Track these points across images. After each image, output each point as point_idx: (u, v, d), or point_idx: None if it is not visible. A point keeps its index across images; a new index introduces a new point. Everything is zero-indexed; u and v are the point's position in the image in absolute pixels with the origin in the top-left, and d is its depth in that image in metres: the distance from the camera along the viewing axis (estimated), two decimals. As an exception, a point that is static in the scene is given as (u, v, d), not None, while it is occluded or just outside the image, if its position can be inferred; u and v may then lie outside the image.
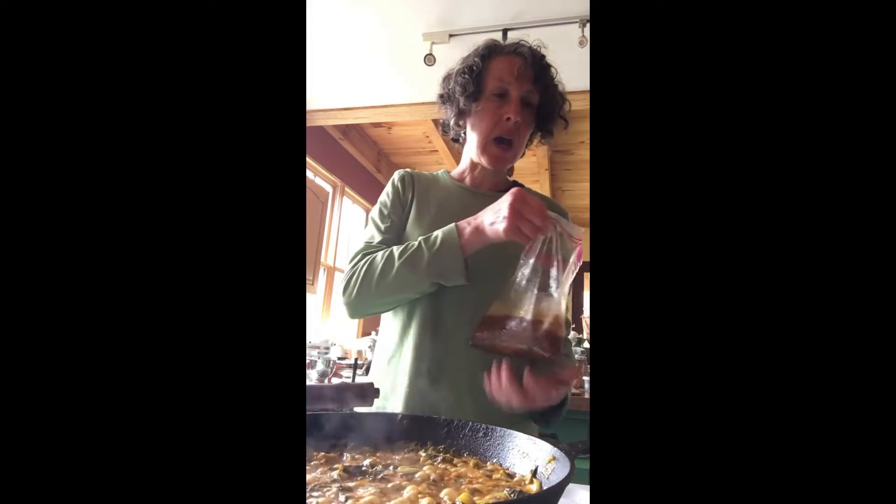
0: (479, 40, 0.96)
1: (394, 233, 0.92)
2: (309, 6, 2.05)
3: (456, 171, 1.01)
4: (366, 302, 0.83)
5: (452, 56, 0.97)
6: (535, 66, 0.89)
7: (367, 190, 4.59)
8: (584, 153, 3.84)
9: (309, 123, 2.97)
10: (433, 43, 2.29)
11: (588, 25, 2.00)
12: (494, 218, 0.72)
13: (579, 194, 4.60)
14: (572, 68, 2.08)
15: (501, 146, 0.89)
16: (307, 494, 0.43)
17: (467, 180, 0.98)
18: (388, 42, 2.35)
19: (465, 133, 0.96)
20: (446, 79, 0.95)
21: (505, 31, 2.08)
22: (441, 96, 0.96)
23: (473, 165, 0.96)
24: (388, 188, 0.98)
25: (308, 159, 3.48)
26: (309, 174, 3.68)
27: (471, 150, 0.94)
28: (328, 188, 3.96)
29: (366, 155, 4.12)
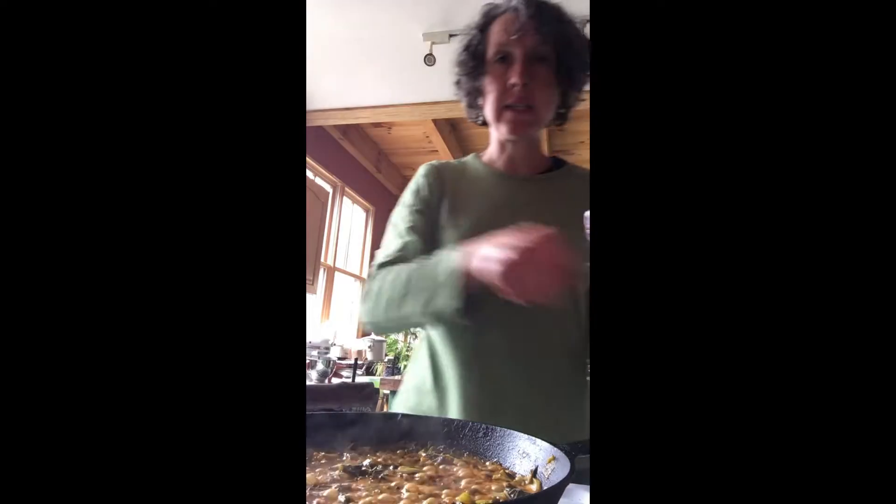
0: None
1: (418, 236, 0.80)
2: (309, 6, 2.05)
3: (486, 156, 0.89)
4: (385, 327, 0.77)
5: (452, 56, 0.94)
6: (537, 13, 0.76)
7: (367, 190, 4.59)
8: (584, 153, 3.84)
9: (309, 123, 2.97)
10: (433, 43, 2.29)
11: (588, 25, 2.00)
12: (493, 257, 0.56)
13: (579, 194, 4.58)
14: (572, 68, 2.08)
15: (515, 110, 0.77)
16: (307, 494, 0.43)
17: (500, 164, 0.86)
18: (388, 42, 2.35)
19: (484, 113, 0.85)
20: (454, 66, 0.86)
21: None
22: (455, 83, 0.86)
23: (502, 146, 0.86)
24: (413, 186, 0.87)
25: (308, 159, 3.48)
26: (309, 174, 3.68)
27: (493, 127, 0.84)
28: (328, 188, 3.96)
29: (366, 155, 4.12)
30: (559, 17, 0.79)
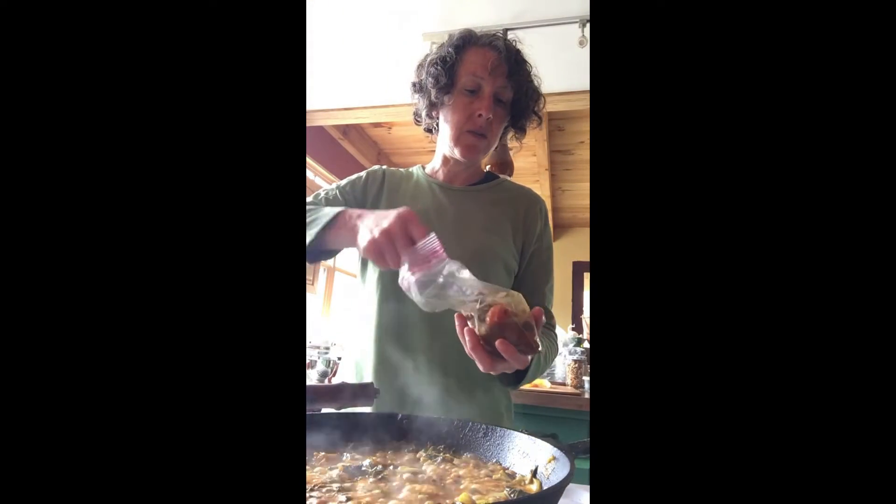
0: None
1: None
2: (309, 6, 2.05)
3: (430, 167, 0.99)
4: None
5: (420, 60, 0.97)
6: (510, 61, 0.87)
7: (367, 190, 4.56)
8: (584, 153, 3.83)
9: (309, 123, 2.96)
10: (433, 43, 2.28)
11: (588, 25, 2.00)
12: (371, 227, 0.63)
13: (579, 194, 4.60)
14: (572, 68, 2.08)
15: (474, 136, 0.87)
16: (307, 494, 0.43)
17: (440, 175, 0.96)
18: (388, 42, 2.35)
19: (437, 125, 0.94)
20: (419, 67, 0.93)
21: (505, 31, 2.08)
22: (414, 85, 0.94)
23: (446, 160, 0.95)
24: (353, 177, 0.96)
25: (308, 159, 3.47)
26: (309, 174, 3.67)
27: (443, 143, 0.92)
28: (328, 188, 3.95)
29: (366, 155, 4.12)
30: (526, 70, 0.90)
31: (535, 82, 0.92)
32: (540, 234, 0.93)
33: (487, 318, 0.55)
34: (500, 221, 0.91)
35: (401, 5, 2.14)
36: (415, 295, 0.59)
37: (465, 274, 0.58)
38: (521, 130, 0.95)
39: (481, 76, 0.86)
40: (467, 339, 0.58)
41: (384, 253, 0.61)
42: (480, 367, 0.59)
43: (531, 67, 0.91)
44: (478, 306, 0.57)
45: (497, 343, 0.54)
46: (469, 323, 0.58)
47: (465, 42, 0.90)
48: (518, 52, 0.89)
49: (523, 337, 0.55)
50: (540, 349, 0.59)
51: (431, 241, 0.59)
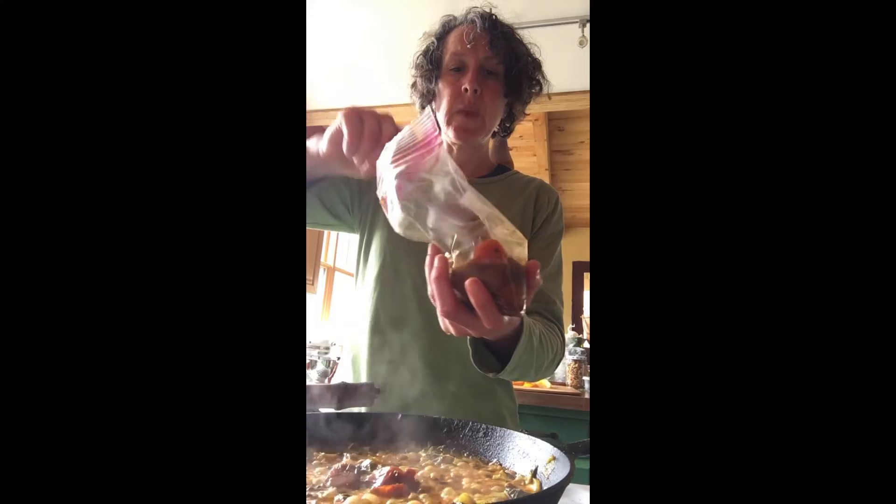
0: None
1: (332, 187, 0.89)
2: (309, 6, 2.05)
3: None
4: None
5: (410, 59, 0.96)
6: (490, 29, 0.83)
7: (367, 190, 4.55)
8: (584, 153, 3.83)
9: (309, 123, 2.96)
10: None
11: (588, 25, 2.00)
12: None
13: (579, 194, 4.59)
14: (572, 68, 2.08)
15: (464, 115, 0.83)
16: (307, 494, 0.43)
17: None
18: (388, 42, 2.35)
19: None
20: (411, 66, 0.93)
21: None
22: (412, 85, 0.93)
23: (449, 148, 0.92)
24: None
25: (308, 159, 3.46)
26: (309, 174, 3.66)
27: (444, 132, 0.91)
28: (328, 188, 3.95)
29: (366, 155, 4.11)
30: (511, 36, 0.86)
31: (531, 49, 0.88)
32: (545, 221, 0.89)
33: (472, 254, 0.41)
34: (508, 216, 0.87)
35: (401, 5, 2.14)
36: (392, 207, 0.42)
37: (467, 198, 0.41)
38: (517, 100, 0.89)
39: (462, 52, 0.83)
40: (435, 267, 0.42)
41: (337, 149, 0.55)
42: (441, 317, 0.44)
43: (519, 36, 0.88)
44: (466, 233, 0.41)
45: (468, 283, 0.39)
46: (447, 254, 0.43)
47: (445, 28, 0.89)
48: (495, 19, 0.85)
49: (507, 288, 0.39)
50: (523, 312, 0.45)
51: (424, 121, 0.41)
